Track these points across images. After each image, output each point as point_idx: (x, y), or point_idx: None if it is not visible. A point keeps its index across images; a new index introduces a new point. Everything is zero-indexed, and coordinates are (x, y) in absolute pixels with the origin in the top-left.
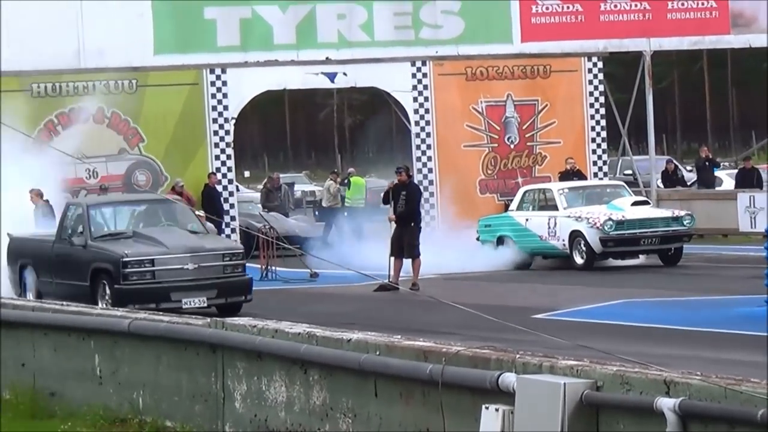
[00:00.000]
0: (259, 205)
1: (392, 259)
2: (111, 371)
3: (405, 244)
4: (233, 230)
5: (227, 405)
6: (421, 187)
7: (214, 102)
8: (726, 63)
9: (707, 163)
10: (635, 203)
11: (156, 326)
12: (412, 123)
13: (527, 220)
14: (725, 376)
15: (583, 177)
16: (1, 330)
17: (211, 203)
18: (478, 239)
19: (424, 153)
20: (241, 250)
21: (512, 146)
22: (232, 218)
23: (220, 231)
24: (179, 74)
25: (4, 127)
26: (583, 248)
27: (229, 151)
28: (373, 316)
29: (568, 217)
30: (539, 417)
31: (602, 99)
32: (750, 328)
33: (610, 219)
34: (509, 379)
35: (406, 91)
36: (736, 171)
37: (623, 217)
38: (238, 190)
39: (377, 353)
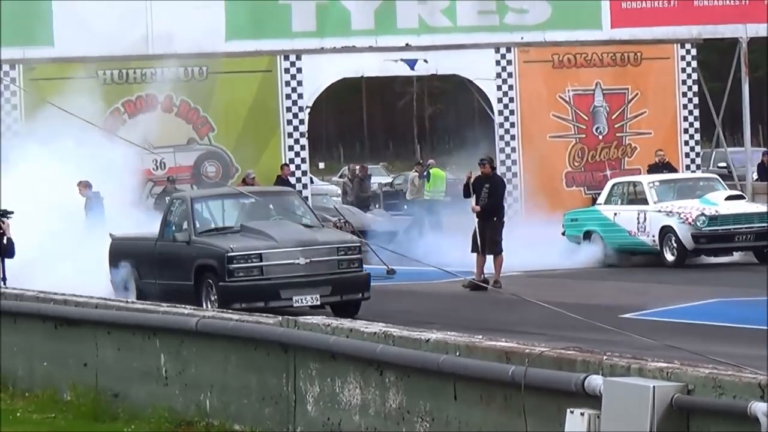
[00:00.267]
0: (334, 198)
1: (474, 255)
2: (177, 371)
3: (487, 240)
4: None
5: (299, 408)
6: (505, 180)
7: (288, 90)
8: None
9: None
10: (729, 197)
11: (224, 324)
12: (496, 112)
13: (615, 214)
14: None
15: (673, 170)
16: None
17: None
18: (563, 234)
19: (507, 144)
20: (357, 244)
21: (600, 137)
22: None
23: None
24: (252, 61)
25: (69, 116)
26: (674, 245)
27: (303, 141)
28: (452, 315)
29: (659, 211)
30: (627, 422)
31: (695, 88)
32: None
33: (702, 214)
34: (596, 381)
35: (490, 78)
36: None
37: (717, 212)
38: (312, 182)
39: (457, 354)
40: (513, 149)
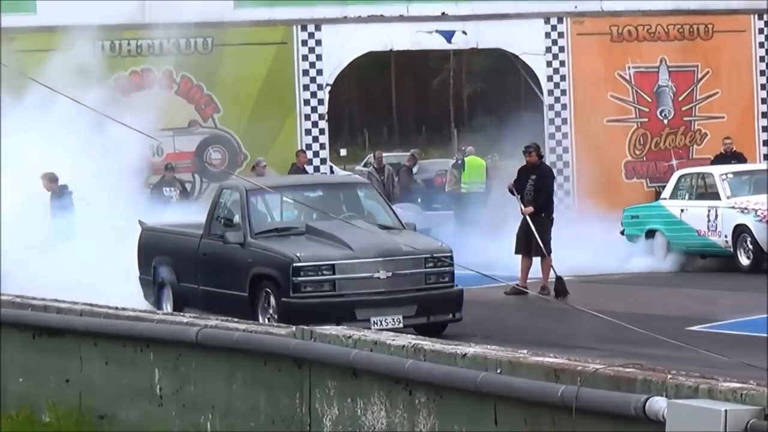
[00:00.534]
0: None
1: (519, 257)
2: (174, 389)
3: (533, 240)
4: None
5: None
6: (555, 170)
7: (305, 65)
8: None
9: None
10: None
11: (229, 336)
12: (545, 92)
13: (683, 211)
14: None
15: (743, 161)
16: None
17: None
18: (622, 233)
19: (558, 129)
20: (449, 253)
21: (666, 122)
22: None
23: None
24: (264, 31)
25: (53, 94)
26: (750, 246)
27: (323, 124)
28: (493, 326)
29: (733, 208)
30: None
31: None
32: None
33: None
34: (659, 404)
35: (538, 53)
36: None
37: None
38: (332, 171)
39: (498, 371)
40: (564, 135)
